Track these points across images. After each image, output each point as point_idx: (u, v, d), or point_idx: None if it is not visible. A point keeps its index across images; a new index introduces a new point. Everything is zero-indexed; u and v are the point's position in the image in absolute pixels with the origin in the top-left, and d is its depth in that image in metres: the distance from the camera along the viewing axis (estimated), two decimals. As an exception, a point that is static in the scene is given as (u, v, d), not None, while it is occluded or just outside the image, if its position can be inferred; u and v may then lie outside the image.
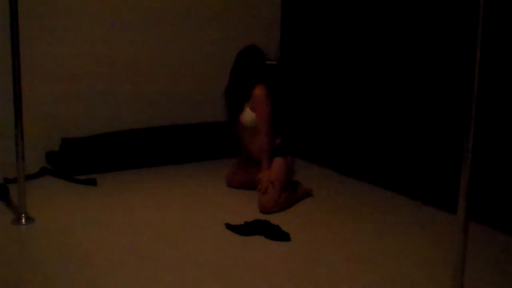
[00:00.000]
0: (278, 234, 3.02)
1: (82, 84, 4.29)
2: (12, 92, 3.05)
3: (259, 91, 3.51)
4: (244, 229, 3.07)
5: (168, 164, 4.27)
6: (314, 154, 4.46)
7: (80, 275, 2.53)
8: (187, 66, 4.69)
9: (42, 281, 2.47)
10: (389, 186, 3.83)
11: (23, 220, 3.06)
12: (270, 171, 3.45)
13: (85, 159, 4.00)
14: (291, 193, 3.51)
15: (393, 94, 3.85)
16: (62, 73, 4.21)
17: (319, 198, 3.67)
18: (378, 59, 3.95)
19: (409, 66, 3.73)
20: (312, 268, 2.69)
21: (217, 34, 4.77)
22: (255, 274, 2.61)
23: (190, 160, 4.38)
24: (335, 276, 2.60)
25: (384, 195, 3.77)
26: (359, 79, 4.13)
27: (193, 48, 4.69)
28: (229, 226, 3.11)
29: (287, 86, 4.67)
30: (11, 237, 2.94)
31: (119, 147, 4.15)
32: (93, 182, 3.75)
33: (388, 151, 3.90)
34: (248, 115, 3.53)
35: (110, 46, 4.35)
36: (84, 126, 4.25)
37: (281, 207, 3.40)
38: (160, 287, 2.46)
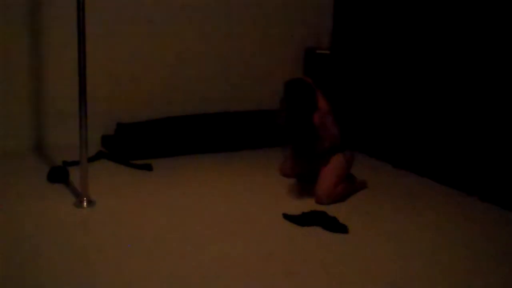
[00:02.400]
0: (335, 226, 3.02)
1: (139, 68, 4.34)
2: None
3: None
4: (302, 220, 3.08)
5: (223, 151, 4.29)
6: (368, 146, 4.42)
7: (144, 258, 2.58)
8: (245, 54, 4.71)
9: (108, 263, 2.53)
10: (445, 180, 3.78)
11: (85, 203, 3.13)
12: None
13: (140, 143, 4.05)
14: (347, 185, 3.49)
15: (452, 85, 3.78)
16: (120, 56, 4.25)
17: (375, 191, 3.64)
18: (436, 48, 3.88)
19: (467, 57, 3.65)
20: (371, 261, 2.69)
21: (269, 23, 4.77)
22: (314, 265, 2.62)
23: (245, 147, 4.39)
24: (395, 270, 2.60)
25: (439, 190, 3.72)
26: (415, 69, 4.07)
27: (250, 36, 4.71)
28: (286, 216, 3.12)
29: (340, 76, 4.64)
30: (75, 220, 3.01)
31: (173, 133, 4.19)
32: (149, 167, 3.80)
33: (445, 145, 3.84)
34: None
35: (169, 32, 4.39)
36: (140, 111, 4.30)
37: (337, 199, 3.39)
38: (220, 273, 2.49)
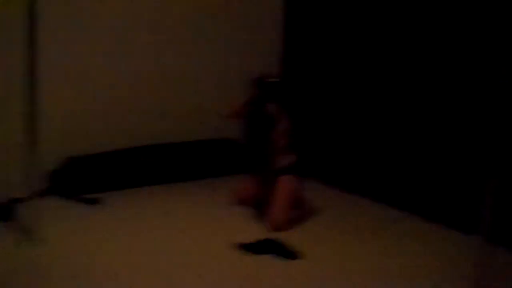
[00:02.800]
0: (290, 253, 3.04)
1: (90, 102, 4.27)
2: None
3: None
4: (257, 248, 3.08)
5: (172, 182, 4.27)
6: (316, 171, 4.46)
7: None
8: (193, 85, 4.71)
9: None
10: (391, 202, 3.86)
11: (35, 240, 3.04)
12: None
13: (88, 177, 3.99)
14: (299, 212, 3.53)
15: (396, 110, 3.89)
16: (67, 88, 4.19)
17: (323, 215, 3.68)
18: (386, 74, 3.98)
19: (418, 82, 3.77)
20: (327, 285, 2.71)
21: (222, 50, 4.81)
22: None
23: (195, 177, 4.39)
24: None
25: (385, 212, 3.79)
26: (362, 97, 4.16)
27: (198, 67, 4.70)
28: (242, 245, 3.12)
29: (291, 103, 4.69)
30: (24, 258, 2.91)
31: (123, 165, 4.15)
32: (96, 201, 3.75)
33: (389, 168, 3.93)
34: None
35: (118, 67, 4.34)
36: (90, 145, 4.23)
37: (290, 225, 3.41)
38: None
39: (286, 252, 3.03)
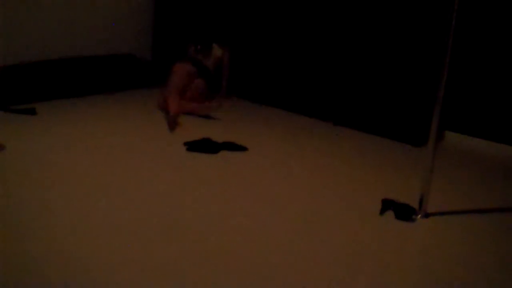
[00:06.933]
0: (236, 146, 3.47)
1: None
2: None
3: None
4: (201, 146, 3.43)
5: (83, 95, 4.33)
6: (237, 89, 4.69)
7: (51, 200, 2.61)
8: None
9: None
10: (301, 111, 4.34)
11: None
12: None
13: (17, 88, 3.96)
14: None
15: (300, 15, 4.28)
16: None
17: (255, 122, 4.11)
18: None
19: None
20: (275, 167, 3.21)
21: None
22: (232, 177, 3.05)
23: (104, 91, 4.49)
24: (296, 175, 3.13)
25: (297, 119, 4.27)
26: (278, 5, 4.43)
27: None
28: (188, 144, 3.44)
29: (191, 22, 4.87)
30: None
31: (39, 78, 4.15)
32: (32, 111, 3.77)
33: (298, 80, 4.38)
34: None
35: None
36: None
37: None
38: (140, 208, 2.60)
39: (235, 146, 3.45)
